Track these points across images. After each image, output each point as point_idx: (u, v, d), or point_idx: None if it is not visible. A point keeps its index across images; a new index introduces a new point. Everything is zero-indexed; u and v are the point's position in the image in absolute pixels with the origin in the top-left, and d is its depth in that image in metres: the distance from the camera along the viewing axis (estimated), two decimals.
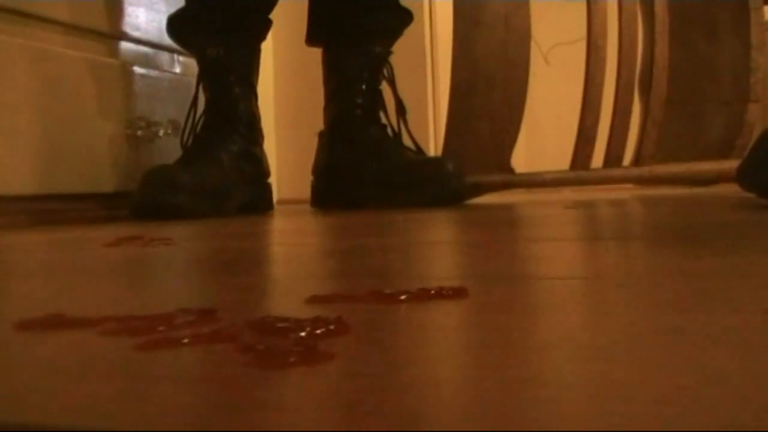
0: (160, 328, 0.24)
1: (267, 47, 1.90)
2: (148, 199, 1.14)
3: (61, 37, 1.17)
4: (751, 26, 1.55)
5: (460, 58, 1.46)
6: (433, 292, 0.29)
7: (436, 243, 0.62)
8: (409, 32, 1.42)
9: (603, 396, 0.16)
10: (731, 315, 0.25)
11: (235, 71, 1.30)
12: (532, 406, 0.16)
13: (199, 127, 1.28)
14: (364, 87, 1.35)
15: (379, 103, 1.36)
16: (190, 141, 1.28)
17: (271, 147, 1.91)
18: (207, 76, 1.29)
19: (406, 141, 1.34)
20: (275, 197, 1.77)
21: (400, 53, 1.73)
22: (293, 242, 0.69)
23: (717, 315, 0.25)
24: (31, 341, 0.24)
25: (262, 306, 0.31)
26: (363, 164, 1.30)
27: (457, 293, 0.29)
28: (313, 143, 1.41)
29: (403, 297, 0.29)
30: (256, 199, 1.35)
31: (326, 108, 1.38)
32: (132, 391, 0.18)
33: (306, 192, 1.44)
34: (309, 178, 1.43)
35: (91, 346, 0.23)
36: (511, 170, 1.45)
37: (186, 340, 0.22)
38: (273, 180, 1.46)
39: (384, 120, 1.35)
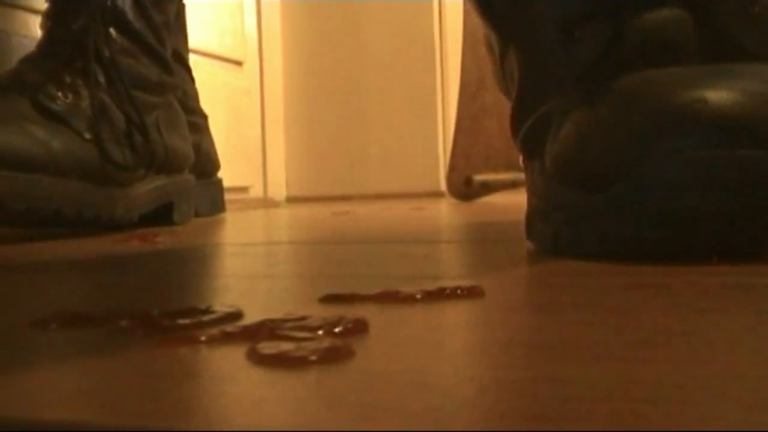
0: (177, 326, 0.24)
1: (274, 40, 1.90)
2: None
3: None
4: None
5: (469, 56, 1.45)
6: (448, 291, 0.29)
7: (443, 242, 0.62)
8: (418, 29, 1.40)
9: (628, 397, 0.16)
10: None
11: None
12: (554, 405, 0.16)
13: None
14: None
15: None
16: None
17: (280, 144, 1.91)
18: None
19: None
20: (285, 194, 1.76)
21: (410, 50, 1.73)
22: (301, 240, 0.69)
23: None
24: (47, 338, 0.24)
25: (278, 304, 0.31)
26: None
27: (473, 292, 0.29)
28: (322, 139, 1.40)
29: (418, 296, 0.29)
30: (167, 206, 0.87)
31: None
32: (147, 389, 0.18)
33: (315, 189, 1.44)
34: (318, 174, 1.42)
35: (107, 343, 0.23)
36: (519, 169, 1.44)
37: (203, 338, 0.22)
38: (282, 177, 1.43)
39: None
